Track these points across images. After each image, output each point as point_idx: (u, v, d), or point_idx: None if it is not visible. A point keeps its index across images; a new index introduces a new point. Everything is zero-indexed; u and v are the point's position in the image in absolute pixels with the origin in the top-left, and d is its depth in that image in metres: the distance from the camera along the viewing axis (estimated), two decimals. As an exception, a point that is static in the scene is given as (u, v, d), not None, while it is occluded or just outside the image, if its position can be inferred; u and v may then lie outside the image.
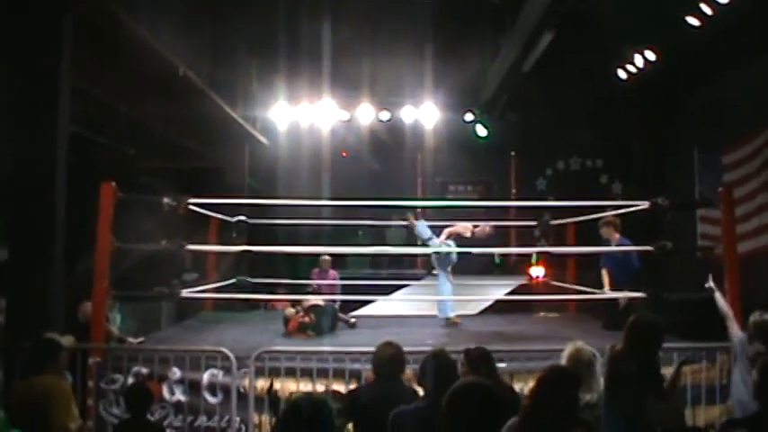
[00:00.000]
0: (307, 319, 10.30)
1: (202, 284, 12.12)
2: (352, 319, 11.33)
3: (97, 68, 10.25)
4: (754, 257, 12.18)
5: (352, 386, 7.47)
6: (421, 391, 5.56)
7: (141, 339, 9.87)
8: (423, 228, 11.58)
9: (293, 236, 15.38)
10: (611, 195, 19.43)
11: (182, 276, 13.20)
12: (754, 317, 7.13)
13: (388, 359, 5.79)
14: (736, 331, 7.43)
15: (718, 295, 7.86)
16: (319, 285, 13.48)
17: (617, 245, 10.80)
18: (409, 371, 6.25)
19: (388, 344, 5.88)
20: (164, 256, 10.82)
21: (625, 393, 5.59)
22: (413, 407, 5.04)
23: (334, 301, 11.34)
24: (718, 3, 11.73)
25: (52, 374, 5.99)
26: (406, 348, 5.99)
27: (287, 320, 10.55)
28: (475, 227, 11.51)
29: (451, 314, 11.33)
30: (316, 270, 14.00)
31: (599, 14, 12.49)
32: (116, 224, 8.77)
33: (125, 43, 9.72)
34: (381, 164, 19.67)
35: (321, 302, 10.80)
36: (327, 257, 13.94)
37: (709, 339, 8.02)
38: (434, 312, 11.63)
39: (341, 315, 11.15)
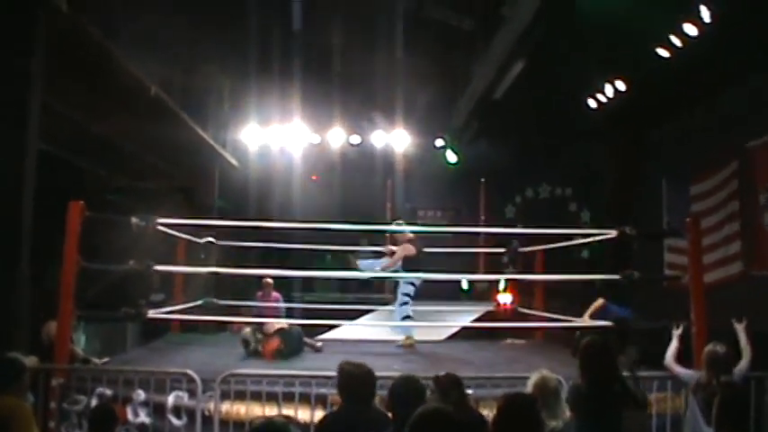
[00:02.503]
0: (282, 345, 10.26)
1: (170, 305, 12.04)
2: (319, 343, 11.30)
3: (69, 87, 10.20)
4: (720, 288, 12.26)
5: (318, 411, 7.44)
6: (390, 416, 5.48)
7: (106, 360, 9.78)
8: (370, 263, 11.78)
9: (262, 258, 15.34)
10: (579, 224, 19.54)
11: (149, 297, 13.09)
12: (708, 347, 7.20)
13: (352, 378, 5.71)
14: (685, 371, 7.49)
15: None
16: (259, 309, 13.43)
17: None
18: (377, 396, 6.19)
19: (349, 363, 5.80)
20: (131, 277, 10.73)
21: (598, 418, 5.64)
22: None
23: (300, 324, 11.24)
24: (688, 35, 11.85)
25: (14, 395, 5.90)
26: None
27: (246, 343, 10.51)
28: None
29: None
30: (259, 293, 13.86)
31: (570, 44, 12.58)
32: (84, 244, 8.70)
33: (97, 62, 9.69)
34: (351, 188, 19.64)
35: (286, 326, 10.76)
36: (270, 280, 13.81)
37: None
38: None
39: (307, 339, 11.10)
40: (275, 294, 13.61)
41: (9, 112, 8.32)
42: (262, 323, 10.93)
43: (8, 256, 8.18)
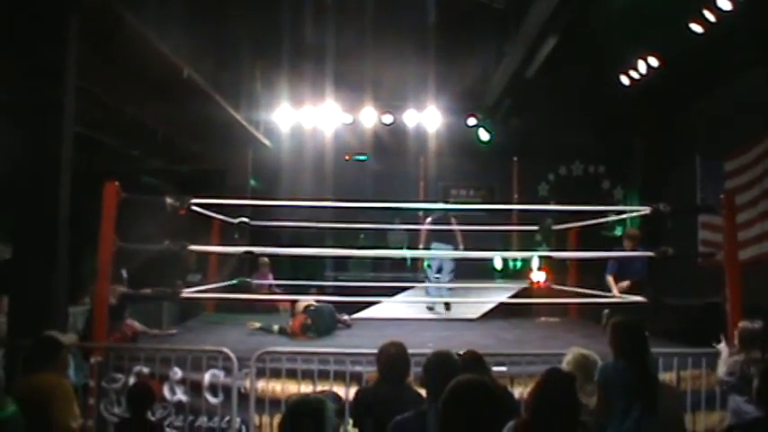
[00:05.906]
0: (309, 320, 10.30)
1: (204, 285, 12.16)
2: (345, 316, 11.33)
3: (101, 69, 10.26)
4: (756, 264, 12.18)
5: (353, 388, 7.49)
6: (425, 394, 5.50)
7: (173, 332, 10.11)
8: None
9: (295, 238, 15.43)
10: (612, 201, 19.46)
11: (186, 277, 13.23)
12: (742, 324, 7.14)
13: (393, 360, 5.73)
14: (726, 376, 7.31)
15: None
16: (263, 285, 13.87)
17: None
18: (411, 373, 6.22)
19: (392, 344, 5.82)
20: (168, 258, 10.83)
21: (627, 401, 5.64)
22: (413, 413, 4.98)
23: (330, 302, 11.26)
24: (721, 9, 11.75)
25: (54, 372, 6.00)
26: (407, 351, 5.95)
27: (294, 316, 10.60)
28: None
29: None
30: (255, 274, 14.04)
31: (602, 20, 12.51)
32: (119, 225, 8.79)
33: (129, 44, 9.72)
34: (384, 167, 19.68)
35: (314, 303, 10.80)
36: (266, 260, 14.01)
37: (709, 345, 8.00)
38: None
39: (338, 316, 11.13)
40: (270, 275, 13.91)
41: (45, 97, 8.38)
42: (293, 302, 11.05)
43: (46, 236, 8.26)
